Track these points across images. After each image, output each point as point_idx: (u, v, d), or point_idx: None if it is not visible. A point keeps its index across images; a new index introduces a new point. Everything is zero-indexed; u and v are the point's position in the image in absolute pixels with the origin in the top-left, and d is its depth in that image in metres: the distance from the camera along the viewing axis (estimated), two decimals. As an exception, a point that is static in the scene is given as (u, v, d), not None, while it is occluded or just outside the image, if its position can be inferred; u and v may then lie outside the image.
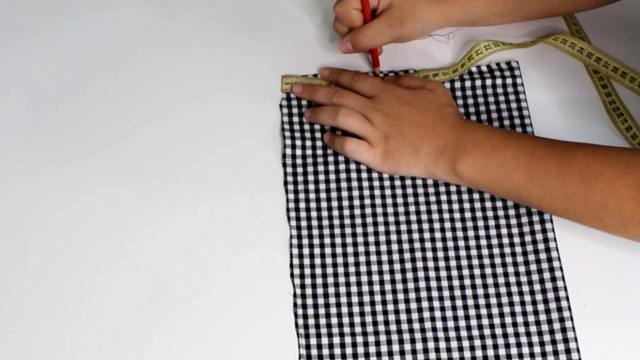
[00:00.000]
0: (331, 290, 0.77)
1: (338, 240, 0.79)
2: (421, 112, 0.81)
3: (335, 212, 0.80)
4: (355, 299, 0.76)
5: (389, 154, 0.81)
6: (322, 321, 0.75)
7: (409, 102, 0.82)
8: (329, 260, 0.78)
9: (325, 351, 0.74)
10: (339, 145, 0.82)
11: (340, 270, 0.78)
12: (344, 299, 0.76)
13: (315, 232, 0.79)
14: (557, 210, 0.76)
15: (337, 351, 0.74)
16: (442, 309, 0.76)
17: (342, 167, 0.83)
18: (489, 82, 0.87)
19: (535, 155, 0.75)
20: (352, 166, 0.83)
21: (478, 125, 0.80)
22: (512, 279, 0.77)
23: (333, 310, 0.76)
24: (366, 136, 0.82)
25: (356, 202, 0.81)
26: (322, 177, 0.82)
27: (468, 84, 0.87)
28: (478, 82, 0.87)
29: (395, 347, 0.74)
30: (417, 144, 0.80)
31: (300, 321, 0.75)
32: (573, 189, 0.73)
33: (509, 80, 0.87)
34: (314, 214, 0.80)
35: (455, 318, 0.75)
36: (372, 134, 0.81)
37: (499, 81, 0.87)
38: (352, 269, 0.78)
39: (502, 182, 0.77)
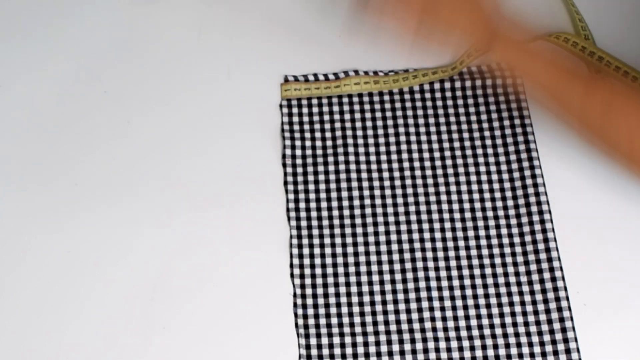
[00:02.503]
0: (331, 290, 0.77)
1: (338, 240, 0.79)
2: None
3: (335, 212, 0.81)
4: (355, 299, 0.76)
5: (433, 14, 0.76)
6: (322, 321, 0.75)
7: None
8: (329, 260, 0.78)
9: (325, 351, 0.74)
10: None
11: (340, 270, 0.78)
12: (344, 299, 0.76)
13: (315, 232, 0.79)
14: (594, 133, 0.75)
15: (337, 351, 0.74)
16: (442, 308, 0.76)
17: (342, 167, 0.83)
18: (489, 81, 0.87)
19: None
20: (352, 166, 0.83)
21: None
22: (512, 279, 0.77)
23: (333, 310, 0.76)
24: None
25: (356, 202, 0.81)
26: (322, 177, 0.82)
27: (468, 83, 0.87)
28: (478, 82, 0.87)
29: (396, 347, 0.74)
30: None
31: (300, 321, 0.75)
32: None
33: (509, 81, 0.87)
34: (313, 214, 0.80)
35: (456, 318, 0.75)
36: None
37: (499, 81, 0.87)
38: (352, 269, 0.78)
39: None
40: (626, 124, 0.72)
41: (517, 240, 0.79)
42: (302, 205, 0.81)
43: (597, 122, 0.73)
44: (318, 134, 0.85)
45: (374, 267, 0.78)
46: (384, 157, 0.84)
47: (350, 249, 0.79)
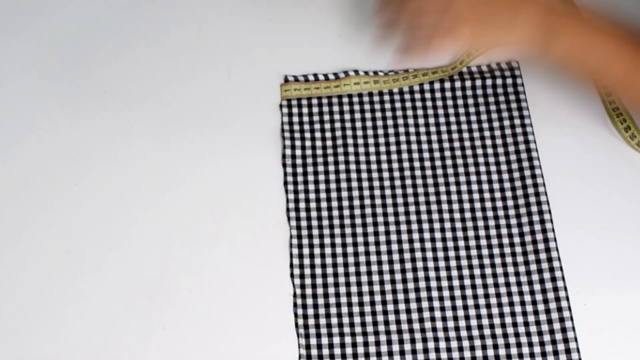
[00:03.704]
0: (331, 290, 0.77)
1: (338, 240, 0.79)
2: None
3: (335, 212, 0.80)
4: (355, 299, 0.76)
5: (483, 20, 0.73)
6: (322, 321, 0.75)
7: None
8: (328, 260, 0.78)
9: (325, 351, 0.74)
10: (422, 45, 0.74)
11: (340, 270, 0.78)
12: (343, 299, 0.76)
13: (315, 232, 0.79)
14: None
15: (337, 351, 0.74)
16: (442, 308, 0.76)
17: (342, 167, 0.83)
18: (489, 82, 0.87)
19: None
20: (352, 166, 0.83)
21: (574, 7, 0.75)
22: (512, 279, 0.77)
23: (333, 310, 0.76)
24: (452, 19, 0.73)
25: (356, 202, 0.81)
26: (321, 177, 0.82)
27: (468, 83, 0.87)
28: (478, 82, 0.87)
29: (396, 347, 0.74)
30: (515, 5, 0.72)
31: (300, 321, 0.75)
32: None
33: (509, 80, 0.87)
34: (313, 214, 0.80)
35: (456, 318, 0.75)
36: (455, 17, 0.73)
37: (499, 81, 0.87)
38: (352, 269, 0.78)
39: (604, 68, 0.73)
40: None
41: (517, 240, 0.79)
42: (302, 205, 0.81)
43: None
44: (318, 134, 0.85)
45: (374, 267, 0.78)
46: (384, 157, 0.84)
47: (350, 249, 0.79)
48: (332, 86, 0.87)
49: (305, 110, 0.86)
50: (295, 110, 0.86)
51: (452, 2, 0.73)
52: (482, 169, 0.82)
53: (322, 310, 0.76)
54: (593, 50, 0.72)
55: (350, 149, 0.84)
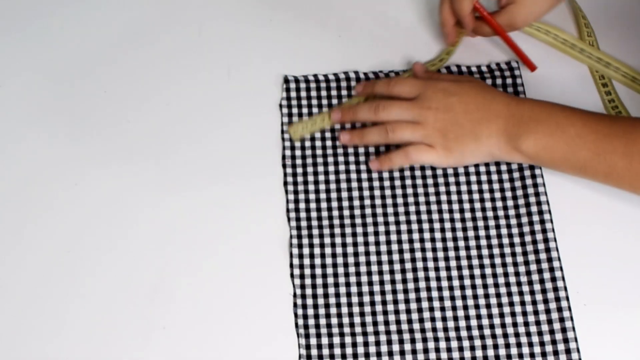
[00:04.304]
0: (331, 290, 0.77)
1: (338, 240, 0.79)
2: (471, 97, 0.80)
3: (335, 212, 0.80)
4: (355, 299, 0.76)
5: (451, 148, 0.79)
6: (322, 321, 0.75)
7: (455, 92, 0.80)
8: (328, 260, 0.78)
9: (325, 351, 0.74)
10: (398, 159, 0.80)
11: (340, 270, 0.78)
12: (344, 299, 0.76)
13: (315, 232, 0.79)
14: (623, 186, 0.76)
15: (337, 351, 0.74)
16: (442, 309, 0.76)
17: (342, 167, 0.83)
18: (489, 82, 0.87)
19: (600, 132, 0.75)
20: (352, 167, 0.83)
21: (536, 102, 0.79)
22: (512, 279, 0.77)
23: (333, 310, 0.76)
24: (422, 140, 0.80)
25: (356, 202, 0.81)
26: (321, 177, 0.82)
27: (468, 84, 0.87)
28: (478, 82, 0.87)
29: (396, 347, 0.74)
30: (476, 129, 0.78)
31: (300, 321, 0.75)
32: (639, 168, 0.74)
33: (509, 81, 0.87)
34: (313, 214, 0.80)
35: (456, 318, 0.75)
36: (427, 135, 0.79)
37: (499, 81, 0.87)
38: (352, 269, 0.78)
39: (568, 160, 0.76)
40: None
41: (517, 240, 0.79)
42: (302, 205, 0.81)
43: None
44: (318, 134, 0.85)
45: (374, 267, 0.78)
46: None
47: (350, 249, 0.79)
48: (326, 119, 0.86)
49: (305, 110, 0.86)
50: (295, 110, 0.86)
51: (422, 127, 0.79)
52: (482, 168, 0.82)
53: (322, 310, 0.76)
54: (555, 144, 0.76)
55: (350, 149, 0.84)
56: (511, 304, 0.76)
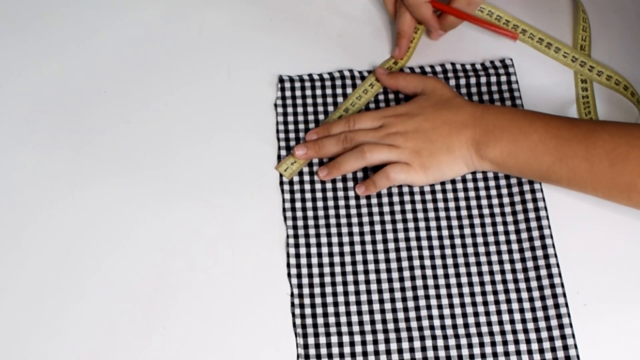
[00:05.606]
0: (328, 289, 0.77)
1: (335, 240, 0.79)
2: (435, 113, 0.81)
3: (332, 212, 0.80)
4: (352, 298, 0.76)
5: (427, 165, 0.80)
6: (320, 320, 0.75)
7: (418, 112, 0.81)
8: (325, 260, 0.78)
9: (323, 350, 0.74)
10: (380, 182, 0.80)
11: (337, 269, 0.78)
12: (341, 298, 0.76)
13: (312, 231, 0.79)
14: (586, 190, 0.77)
15: (335, 350, 0.74)
16: (440, 306, 0.76)
17: (339, 166, 0.83)
18: (483, 79, 0.87)
19: (561, 137, 0.76)
20: (349, 166, 0.83)
21: (500, 109, 0.80)
22: (509, 277, 0.77)
23: (330, 309, 0.76)
24: (398, 159, 0.80)
25: (352, 202, 0.81)
26: (317, 177, 0.82)
27: (462, 81, 0.87)
28: (472, 80, 0.87)
29: (393, 346, 0.74)
30: (447, 142, 0.79)
31: (298, 321, 0.75)
32: (601, 171, 0.74)
33: (503, 78, 0.87)
34: (310, 213, 0.80)
35: (453, 316, 0.75)
36: (402, 154, 0.80)
37: (493, 79, 0.87)
38: (349, 268, 0.78)
39: (532, 165, 0.77)
40: (637, 164, 0.72)
41: (513, 237, 0.79)
42: (298, 205, 0.81)
43: (607, 174, 0.73)
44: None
45: (371, 266, 0.78)
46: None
47: (347, 248, 0.79)
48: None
49: (300, 109, 0.86)
50: (290, 109, 0.86)
51: (396, 148, 0.80)
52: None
53: (319, 310, 0.76)
54: (519, 151, 0.77)
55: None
56: (508, 301, 0.76)
